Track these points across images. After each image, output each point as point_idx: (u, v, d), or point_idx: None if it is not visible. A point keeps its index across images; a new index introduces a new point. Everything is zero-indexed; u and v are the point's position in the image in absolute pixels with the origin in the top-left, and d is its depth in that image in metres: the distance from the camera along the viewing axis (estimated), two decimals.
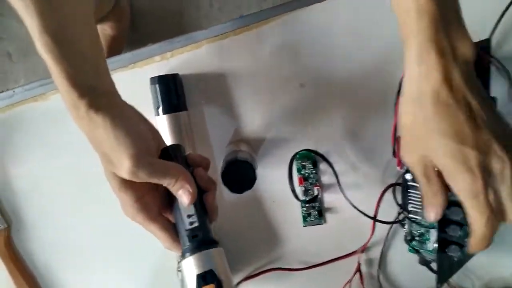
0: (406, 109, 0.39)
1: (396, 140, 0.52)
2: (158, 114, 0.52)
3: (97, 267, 0.61)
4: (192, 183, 0.41)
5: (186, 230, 0.41)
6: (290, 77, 0.55)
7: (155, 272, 0.61)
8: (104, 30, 0.99)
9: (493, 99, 0.50)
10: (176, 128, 0.52)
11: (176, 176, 0.40)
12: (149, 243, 0.59)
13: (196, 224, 0.41)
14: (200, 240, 0.41)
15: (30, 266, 0.61)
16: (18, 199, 0.59)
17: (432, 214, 0.41)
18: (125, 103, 0.43)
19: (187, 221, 0.41)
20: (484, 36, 0.52)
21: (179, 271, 0.55)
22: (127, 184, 0.41)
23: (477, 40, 0.49)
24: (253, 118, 0.56)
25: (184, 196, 0.41)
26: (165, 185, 0.41)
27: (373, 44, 0.55)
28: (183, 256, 0.41)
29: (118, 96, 0.43)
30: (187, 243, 0.41)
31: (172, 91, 0.52)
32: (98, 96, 0.39)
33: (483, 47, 0.47)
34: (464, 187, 0.37)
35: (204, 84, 0.55)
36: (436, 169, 0.40)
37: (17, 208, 0.59)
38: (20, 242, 0.60)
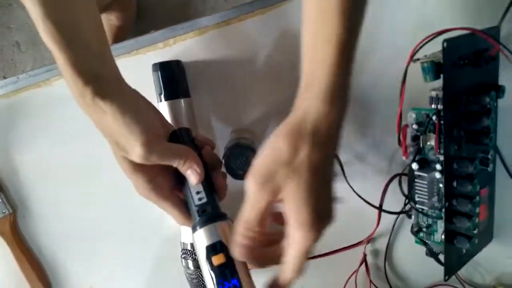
0: (288, 134, 0.37)
1: (401, 129, 0.51)
2: (161, 101, 0.52)
3: (101, 254, 0.62)
4: (199, 163, 0.44)
5: (196, 205, 0.44)
6: (296, 65, 0.55)
7: (158, 260, 0.62)
8: (110, 20, 0.99)
9: (501, 88, 0.49)
10: (178, 115, 0.52)
11: (184, 158, 0.43)
12: (153, 231, 0.60)
13: (204, 200, 0.44)
14: (209, 214, 0.43)
15: (35, 251, 0.61)
16: (23, 185, 0.59)
17: (243, 252, 0.39)
18: (131, 89, 0.44)
19: (196, 197, 0.44)
20: (493, 23, 0.50)
21: (184, 258, 0.56)
22: (138, 167, 0.42)
23: (486, 27, 0.48)
24: (257, 106, 0.56)
25: (192, 176, 0.43)
26: (174, 166, 0.43)
27: (380, 33, 0.54)
28: (194, 230, 0.43)
29: (124, 82, 0.43)
30: (197, 218, 0.43)
31: (174, 78, 0.52)
32: (103, 83, 0.40)
33: (492, 34, 0.46)
34: (306, 241, 0.37)
35: (207, 72, 0.54)
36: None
37: (22, 194, 0.60)
38: (26, 227, 0.61)
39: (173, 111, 0.52)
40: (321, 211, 0.37)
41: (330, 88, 0.36)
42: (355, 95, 0.55)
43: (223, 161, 0.46)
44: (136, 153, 0.40)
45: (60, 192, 0.59)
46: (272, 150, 0.37)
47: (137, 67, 0.54)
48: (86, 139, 0.56)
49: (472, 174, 0.48)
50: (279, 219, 0.40)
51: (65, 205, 0.60)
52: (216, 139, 0.56)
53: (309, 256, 0.38)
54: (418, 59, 0.48)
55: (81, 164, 0.58)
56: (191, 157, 0.43)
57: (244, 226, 0.39)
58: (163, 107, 0.52)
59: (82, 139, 0.56)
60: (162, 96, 0.51)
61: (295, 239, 0.37)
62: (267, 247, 0.40)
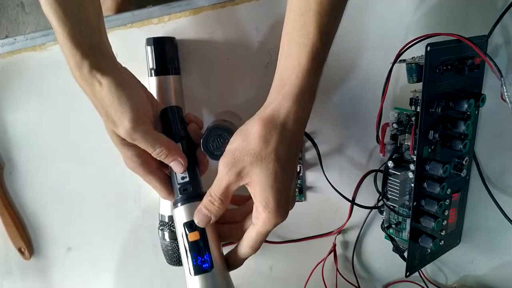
0: (260, 128, 0.40)
1: (381, 127, 0.52)
2: (151, 75, 0.53)
3: (81, 217, 0.63)
4: (182, 156, 0.46)
5: (178, 183, 0.47)
6: None
7: (136, 229, 0.63)
8: None
9: (481, 96, 0.50)
10: (167, 91, 0.53)
11: (166, 151, 0.45)
12: (133, 200, 0.62)
13: (186, 179, 0.47)
14: (190, 194, 0.46)
15: (18, 208, 0.63)
16: (12, 144, 0.60)
17: (203, 220, 0.43)
18: (123, 67, 0.46)
19: (179, 176, 0.47)
20: (484, 33, 0.51)
21: (161, 229, 0.57)
22: (127, 141, 0.44)
23: (475, 35, 0.49)
24: (245, 90, 0.57)
25: (176, 167, 0.46)
26: (152, 155, 0.45)
27: (371, 32, 0.54)
28: (175, 206, 0.46)
29: (116, 60, 0.45)
30: (179, 195, 0.46)
31: (166, 54, 0.52)
32: (100, 57, 0.42)
33: (478, 43, 0.46)
34: (269, 222, 0.41)
35: (198, 51, 0.55)
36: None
37: (10, 152, 0.61)
38: (11, 184, 0.62)
39: (162, 86, 0.53)
40: (285, 197, 0.41)
41: (301, 90, 0.39)
42: (342, 89, 0.56)
43: (201, 140, 0.48)
44: (123, 126, 0.42)
45: (47, 153, 0.61)
46: (243, 139, 0.40)
47: (132, 40, 0.54)
48: (76, 104, 0.57)
49: (442, 177, 0.49)
50: (237, 201, 0.45)
51: (50, 166, 0.61)
52: (203, 119, 0.57)
53: (266, 237, 0.43)
54: (404, 60, 0.49)
55: (69, 128, 0.59)
56: (173, 151, 0.45)
57: (208, 198, 0.43)
58: (153, 82, 0.53)
59: (72, 104, 0.58)
60: (153, 70, 0.52)
61: (259, 219, 0.41)
62: (225, 223, 0.46)
